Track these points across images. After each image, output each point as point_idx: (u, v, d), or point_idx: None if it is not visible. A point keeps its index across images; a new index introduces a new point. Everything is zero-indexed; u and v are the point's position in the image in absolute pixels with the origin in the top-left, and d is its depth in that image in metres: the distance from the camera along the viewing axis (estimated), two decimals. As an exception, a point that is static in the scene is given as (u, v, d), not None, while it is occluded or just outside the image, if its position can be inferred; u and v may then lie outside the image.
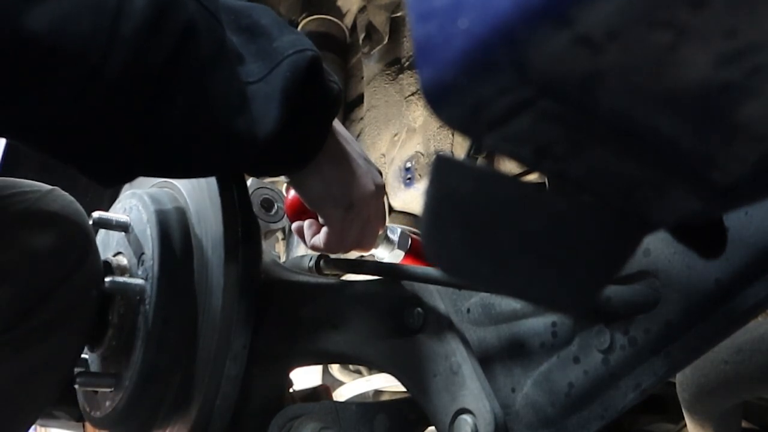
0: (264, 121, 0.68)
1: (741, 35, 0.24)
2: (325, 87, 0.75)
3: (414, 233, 1.09)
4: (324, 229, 0.85)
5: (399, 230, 1.05)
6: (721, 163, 0.31)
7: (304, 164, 0.77)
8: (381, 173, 0.88)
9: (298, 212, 0.91)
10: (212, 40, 0.65)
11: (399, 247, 1.04)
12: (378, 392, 1.63)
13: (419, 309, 0.75)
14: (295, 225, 0.92)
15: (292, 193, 0.91)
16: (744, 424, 1.14)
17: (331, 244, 0.85)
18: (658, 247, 0.63)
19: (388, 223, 1.05)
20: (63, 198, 0.77)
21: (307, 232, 0.89)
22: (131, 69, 0.59)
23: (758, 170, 0.31)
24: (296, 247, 1.67)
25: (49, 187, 0.77)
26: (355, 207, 0.83)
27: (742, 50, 0.25)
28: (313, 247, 0.87)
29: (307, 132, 0.75)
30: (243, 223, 0.77)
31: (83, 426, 0.97)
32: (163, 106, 0.63)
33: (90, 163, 0.67)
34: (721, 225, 0.44)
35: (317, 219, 0.88)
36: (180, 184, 0.87)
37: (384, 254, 1.04)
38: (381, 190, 0.85)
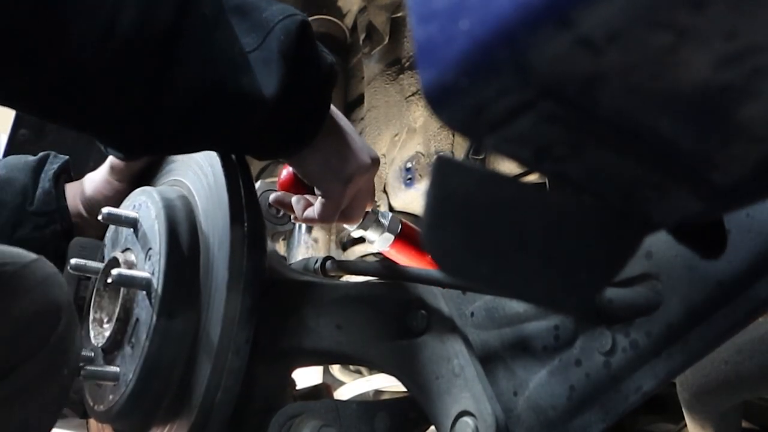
0: (268, 83, 0.70)
1: (741, 36, 0.25)
2: (319, 50, 0.76)
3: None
4: (319, 201, 0.86)
5: (390, 214, 1.06)
6: (721, 164, 0.31)
7: (310, 139, 0.78)
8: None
9: (291, 190, 0.93)
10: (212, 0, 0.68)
11: (389, 231, 1.05)
12: (378, 392, 1.63)
13: (423, 311, 0.76)
14: (273, 197, 0.93)
15: (285, 172, 0.93)
16: (744, 424, 1.14)
17: (326, 216, 0.86)
18: (660, 249, 0.63)
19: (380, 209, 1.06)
20: (41, 270, 0.75)
21: (296, 207, 0.90)
22: (142, 26, 0.61)
23: (758, 171, 0.31)
24: (297, 247, 1.67)
25: (33, 257, 0.75)
26: (353, 180, 0.85)
27: (742, 51, 0.25)
28: (306, 219, 0.89)
29: (309, 103, 0.76)
30: (249, 218, 0.78)
31: (87, 423, 0.97)
32: (174, 64, 0.65)
33: (106, 129, 0.68)
34: (722, 225, 0.44)
35: (305, 194, 0.90)
36: (189, 182, 0.88)
37: (374, 237, 1.05)
38: (376, 163, 0.88)
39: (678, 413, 1.07)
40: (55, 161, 0.99)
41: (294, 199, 0.91)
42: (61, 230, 0.96)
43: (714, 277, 0.58)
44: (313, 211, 0.87)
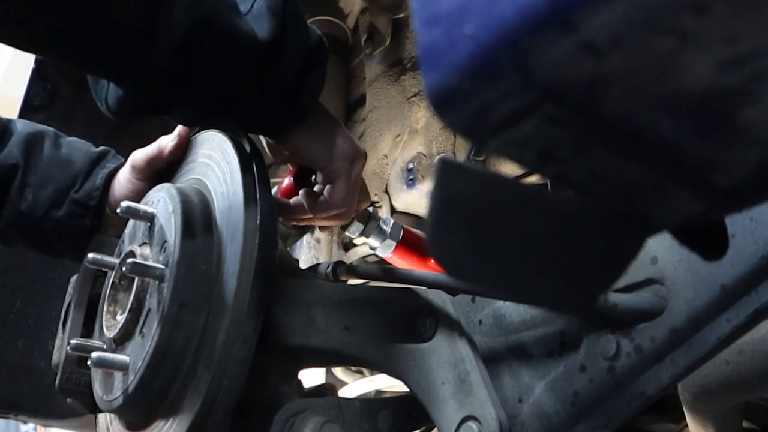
0: (259, 29, 0.74)
1: (742, 41, 0.25)
2: (305, 18, 0.81)
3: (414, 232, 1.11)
4: (328, 188, 0.88)
5: (392, 221, 1.07)
6: (722, 167, 0.31)
7: (312, 102, 0.81)
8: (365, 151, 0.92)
9: (293, 196, 0.93)
10: None
11: (391, 238, 1.06)
12: (380, 392, 1.63)
13: (431, 316, 0.76)
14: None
15: (287, 180, 0.94)
16: (745, 424, 1.14)
17: (338, 199, 0.87)
18: (664, 254, 0.63)
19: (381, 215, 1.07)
20: None
21: (306, 201, 0.91)
22: None
23: (760, 173, 0.31)
24: (299, 248, 1.67)
25: None
26: (356, 162, 0.87)
27: (743, 56, 0.25)
28: (318, 209, 0.89)
29: (304, 63, 0.79)
30: (262, 212, 0.79)
31: (95, 418, 0.98)
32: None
33: (101, 62, 0.72)
34: (723, 227, 0.44)
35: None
36: (207, 180, 0.89)
37: (376, 244, 1.06)
38: (366, 155, 0.90)
39: (679, 413, 1.07)
40: (114, 161, 1.01)
41: (301, 192, 0.91)
42: (90, 226, 0.98)
43: (718, 281, 0.58)
44: (324, 199, 0.88)
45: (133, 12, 0.68)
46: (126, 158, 0.99)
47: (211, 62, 0.74)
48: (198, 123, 0.92)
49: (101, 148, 1.02)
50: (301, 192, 0.92)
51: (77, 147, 1.00)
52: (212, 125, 0.88)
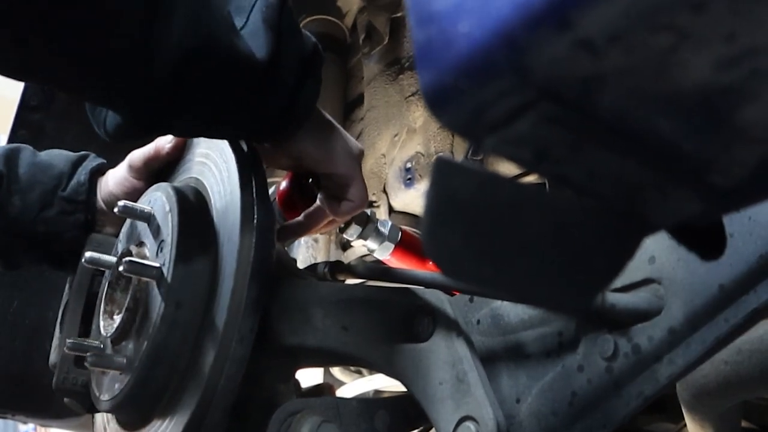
0: (257, 47, 0.74)
1: (740, 39, 0.25)
2: (299, 24, 0.80)
3: (415, 233, 1.11)
4: (347, 192, 0.89)
5: (389, 223, 1.07)
6: (721, 166, 0.31)
7: (308, 110, 0.81)
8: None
9: (290, 202, 0.94)
10: None
11: (389, 240, 1.06)
12: (378, 392, 1.63)
13: (429, 317, 0.76)
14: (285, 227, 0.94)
15: (284, 183, 0.95)
16: (744, 423, 1.14)
17: (361, 197, 0.89)
18: (662, 254, 0.62)
19: (379, 218, 1.08)
20: None
21: (330, 208, 0.92)
22: None
23: (758, 172, 0.31)
24: (297, 247, 1.67)
25: None
26: (359, 158, 0.88)
27: (741, 54, 0.25)
28: (348, 208, 0.90)
29: (301, 71, 0.79)
30: (259, 212, 0.79)
31: (92, 418, 0.98)
32: (162, 18, 0.66)
33: (94, 87, 0.71)
34: (722, 226, 0.44)
35: (302, 208, 0.93)
36: (205, 179, 0.90)
37: (374, 246, 1.06)
38: (363, 152, 0.91)
39: (678, 413, 1.07)
40: (95, 160, 1.02)
41: (320, 200, 0.92)
42: (84, 221, 0.98)
43: (716, 281, 0.58)
44: (348, 201, 0.90)
45: (126, 36, 0.66)
46: (122, 160, 0.99)
47: (209, 84, 0.73)
48: (196, 136, 0.92)
49: (81, 152, 1.03)
50: (320, 200, 0.92)
51: (56, 154, 1.02)
52: (211, 136, 0.88)
